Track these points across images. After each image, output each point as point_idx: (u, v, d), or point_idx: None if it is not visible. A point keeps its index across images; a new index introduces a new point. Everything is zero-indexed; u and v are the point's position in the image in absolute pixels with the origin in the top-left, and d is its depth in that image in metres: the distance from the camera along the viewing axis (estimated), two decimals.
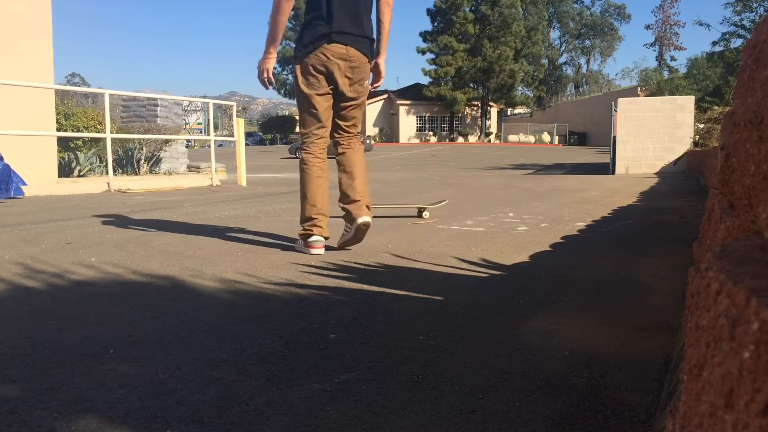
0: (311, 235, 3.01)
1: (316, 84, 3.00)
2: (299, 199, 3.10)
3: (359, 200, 3.03)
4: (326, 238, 3.05)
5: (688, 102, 12.07)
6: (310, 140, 3.08)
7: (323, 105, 3.05)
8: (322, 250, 3.02)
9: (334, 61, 2.94)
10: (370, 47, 3.06)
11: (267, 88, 3.15)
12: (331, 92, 3.04)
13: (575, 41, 59.97)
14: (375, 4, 3.07)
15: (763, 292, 0.34)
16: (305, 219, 3.04)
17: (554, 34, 58.76)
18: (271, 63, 3.08)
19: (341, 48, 2.93)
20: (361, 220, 3.00)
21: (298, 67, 3.03)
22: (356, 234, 3.06)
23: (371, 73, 3.16)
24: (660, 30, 62.42)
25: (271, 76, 3.09)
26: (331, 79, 2.99)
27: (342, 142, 3.15)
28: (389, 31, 3.12)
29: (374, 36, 3.08)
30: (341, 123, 3.14)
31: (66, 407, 1.24)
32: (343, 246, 3.14)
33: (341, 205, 3.08)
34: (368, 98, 3.46)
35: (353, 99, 3.09)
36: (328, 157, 3.13)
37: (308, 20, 2.97)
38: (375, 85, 3.23)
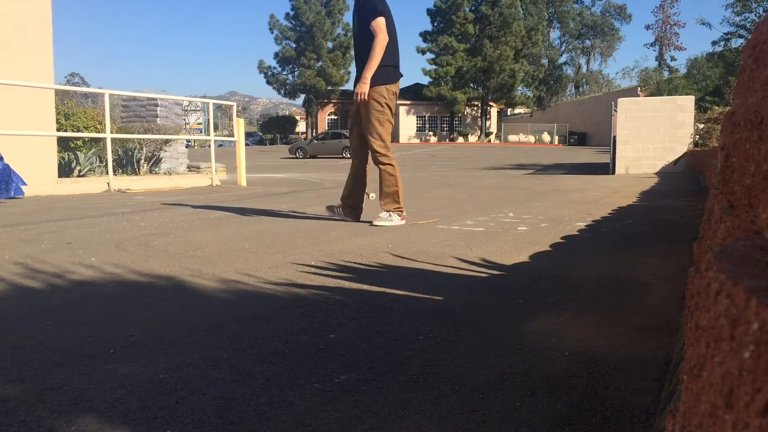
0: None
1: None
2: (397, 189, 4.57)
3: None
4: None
5: (688, 102, 12.07)
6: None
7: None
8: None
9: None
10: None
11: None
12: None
13: (575, 41, 59.90)
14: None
15: (763, 292, 0.34)
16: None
17: (554, 34, 58.71)
18: (366, 87, 4.10)
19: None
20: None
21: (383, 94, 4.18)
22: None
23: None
24: (660, 30, 62.37)
25: (365, 97, 4.12)
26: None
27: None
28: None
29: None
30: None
31: (66, 407, 1.24)
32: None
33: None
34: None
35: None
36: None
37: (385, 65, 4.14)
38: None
